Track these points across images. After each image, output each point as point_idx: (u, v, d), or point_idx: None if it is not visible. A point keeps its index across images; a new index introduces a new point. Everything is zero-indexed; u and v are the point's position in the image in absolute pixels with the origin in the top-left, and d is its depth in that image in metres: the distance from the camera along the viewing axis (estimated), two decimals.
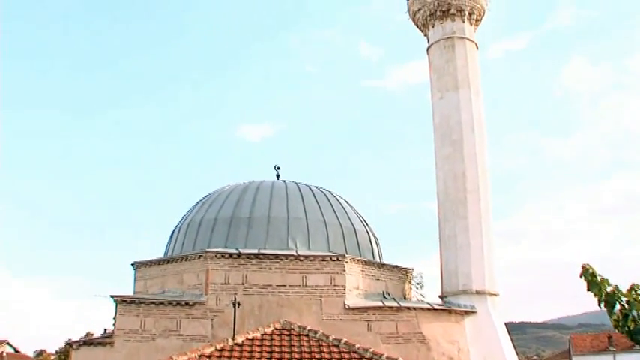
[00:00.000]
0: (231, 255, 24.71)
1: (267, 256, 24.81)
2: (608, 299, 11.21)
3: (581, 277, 11.41)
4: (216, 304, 24.15)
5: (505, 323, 27.67)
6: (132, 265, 27.08)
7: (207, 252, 24.76)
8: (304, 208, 27.09)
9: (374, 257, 27.81)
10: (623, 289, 10.97)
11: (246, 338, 20.59)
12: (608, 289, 11.33)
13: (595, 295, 11.32)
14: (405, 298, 27.15)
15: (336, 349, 20.09)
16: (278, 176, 30.36)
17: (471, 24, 29.99)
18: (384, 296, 26.12)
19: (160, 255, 28.72)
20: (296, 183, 29.08)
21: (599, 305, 11.32)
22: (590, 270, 11.40)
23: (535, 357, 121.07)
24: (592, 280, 11.33)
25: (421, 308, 25.50)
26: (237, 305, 21.60)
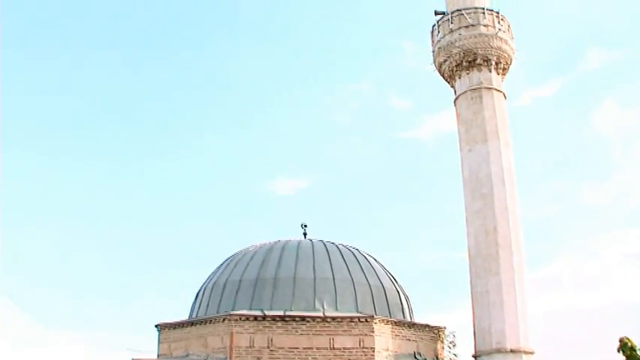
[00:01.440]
0: (256, 317, 24.05)
1: (293, 318, 24.12)
2: None
3: (619, 351, 10.65)
4: None
5: None
6: (156, 327, 26.50)
7: (231, 314, 24.14)
8: (331, 268, 26.42)
9: (404, 316, 26.97)
10: None
11: None
12: None
13: None
14: (437, 358, 26.24)
15: None
16: (305, 234, 29.79)
17: (498, 74, 29.39)
18: (415, 357, 25.28)
19: (186, 316, 28.18)
20: (323, 242, 28.44)
21: None
22: (629, 344, 10.61)
23: None
24: (632, 356, 10.55)
25: None
26: None
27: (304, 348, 23.79)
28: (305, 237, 29.61)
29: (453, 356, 27.33)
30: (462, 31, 29.47)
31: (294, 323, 24.06)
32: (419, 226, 74.17)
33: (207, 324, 24.81)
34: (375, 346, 23.94)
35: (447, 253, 72.66)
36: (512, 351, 25.65)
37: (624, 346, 10.42)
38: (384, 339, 24.51)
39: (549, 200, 75.01)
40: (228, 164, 77.91)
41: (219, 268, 28.57)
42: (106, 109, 77.41)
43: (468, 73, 29.22)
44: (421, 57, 30.57)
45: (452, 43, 29.57)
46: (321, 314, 24.42)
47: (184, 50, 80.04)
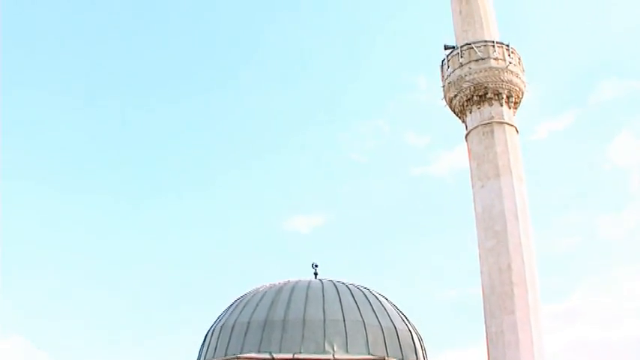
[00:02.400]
0: None
1: None
2: None
3: None
4: None
5: None
6: None
7: (239, 357, 23.74)
8: (342, 309, 25.89)
9: (417, 357, 26.35)
10: None
11: None
12: None
13: None
14: None
15: None
16: (316, 274, 29.27)
17: (509, 107, 28.86)
18: None
19: (195, 358, 27.74)
20: (333, 282, 27.92)
21: None
22: None
23: None
24: None
25: None
26: None
27: None
28: (316, 277, 29.10)
29: None
30: (472, 65, 29.03)
31: None
32: (436, 263, 73.52)
33: None
34: None
35: (464, 290, 71.85)
36: None
37: None
38: None
39: (567, 233, 74.33)
40: (244, 203, 77.66)
41: (228, 309, 28.14)
42: (123, 149, 77.58)
43: (478, 108, 28.72)
44: (435, 92, 30.18)
45: (462, 77, 29.12)
46: (331, 357, 23.95)
47: (201, 89, 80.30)
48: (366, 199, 77.49)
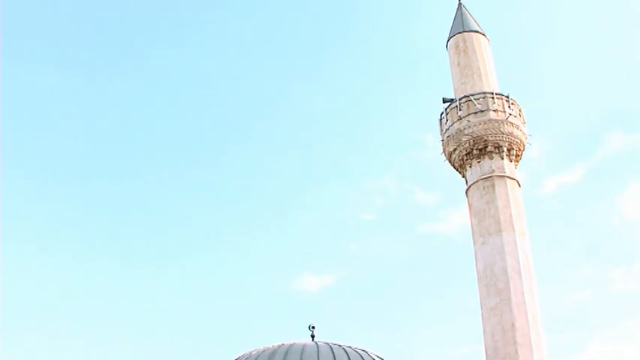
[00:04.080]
0: None
1: None
2: None
3: None
4: None
5: None
6: None
7: None
8: None
9: None
10: None
11: None
12: None
13: None
14: None
15: None
16: (313, 336, 28.12)
17: (510, 160, 28.02)
18: None
19: None
20: (329, 345, 26.76)
21: None
22: None
23: None
24: None
25: None
26: None
27: None
28: (312, 339, 27.94)
29: None
30: (471, 118, 28.32)
31: None
32: (444, 322, 72.06)
33: None
34: None
35: (472, 348, 70.27)
36: None
37: None
38: None
39: (579, 287, 73.29)
40: (252, 264, 76.62)
41: None
42: (129, 215, 77.19)
43: (478, 162, 27.89)
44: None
45: (461, 130, 28.38)
46: None
47: (210, 152, 79.98)
48: (375, 258, 76.38)
